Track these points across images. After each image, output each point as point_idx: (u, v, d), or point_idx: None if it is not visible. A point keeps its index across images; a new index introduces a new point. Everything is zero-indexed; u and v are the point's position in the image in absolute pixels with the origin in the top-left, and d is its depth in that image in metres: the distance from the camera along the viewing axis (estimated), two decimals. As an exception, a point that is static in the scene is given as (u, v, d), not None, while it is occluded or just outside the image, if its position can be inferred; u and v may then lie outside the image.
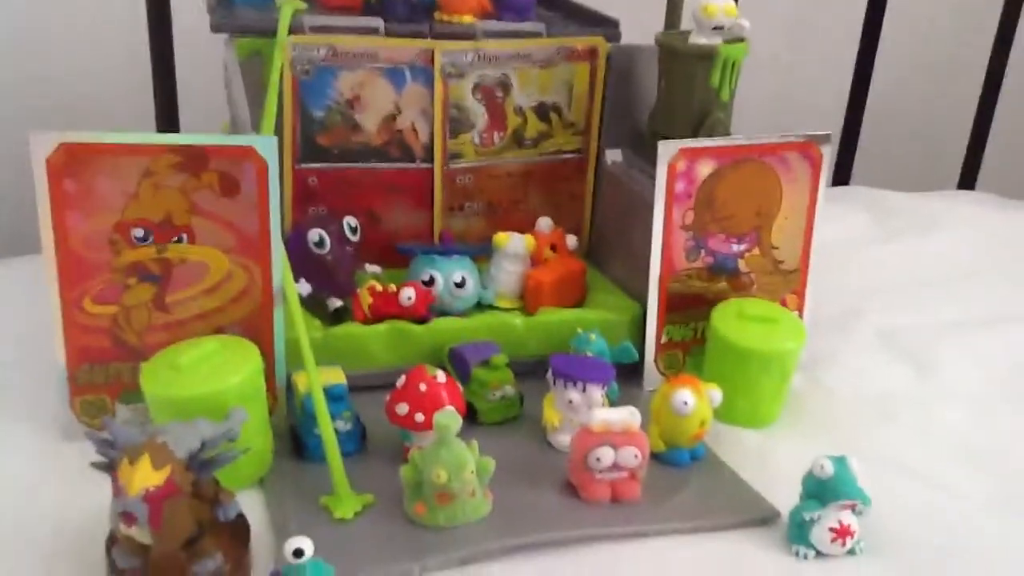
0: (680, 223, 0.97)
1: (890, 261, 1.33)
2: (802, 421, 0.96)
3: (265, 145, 0.82)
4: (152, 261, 0.83)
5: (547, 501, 0.81)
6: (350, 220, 0.99)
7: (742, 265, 1.01)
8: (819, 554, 0.77)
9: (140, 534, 0.65)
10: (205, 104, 1.16)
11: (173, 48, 1.28)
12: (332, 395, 0.82)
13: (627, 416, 0.80)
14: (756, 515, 0.81)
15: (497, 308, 1.01)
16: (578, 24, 1.12)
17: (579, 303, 1.03)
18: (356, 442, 0.85)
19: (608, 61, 1.09)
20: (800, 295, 1.04)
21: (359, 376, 0.88)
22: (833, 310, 1.14)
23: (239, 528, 0.72)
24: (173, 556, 0.67)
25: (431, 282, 0.98)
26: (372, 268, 1.01)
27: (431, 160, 1.06)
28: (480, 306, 1.01)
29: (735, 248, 1.00)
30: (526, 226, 1.05)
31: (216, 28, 0.97)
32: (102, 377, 0.85)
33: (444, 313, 0.98)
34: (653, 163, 0.95)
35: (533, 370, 0.93)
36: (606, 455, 0.79)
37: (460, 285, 0.98)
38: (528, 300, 1.01)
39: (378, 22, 1.01)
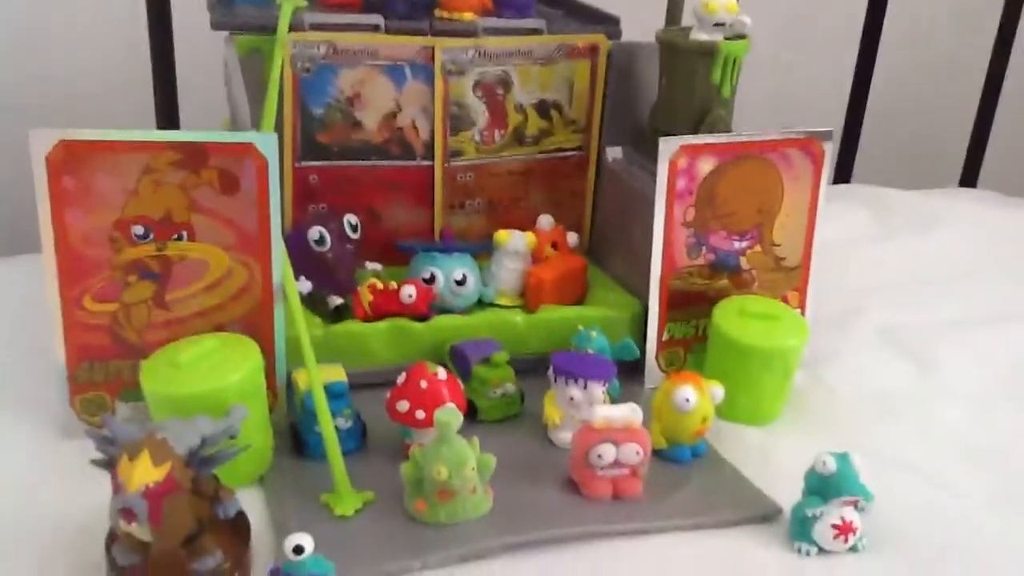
0: (681, 220, 0.97)
1: (891, 259, 1.33)
2: (803, 418, 0.96)
3: (265, 142, 0.82)
4: (152, 259, 0.83)
5: (548, 498, 0.81)
6: (350, 218, 0.99)
7: (743, 262, 1.01)
8: (821, 551, 0.77)
9: (140, 531, 0.65)
10: (205, 102, 1.16)
11: (173, 45, 1.28)
12: (333, 393, 0.82)
13: (628, 413, 0.80)
14: (758, 512, 0.81)
15: (498, 306, 1.01)
16: (579, 21, 1.12)
17: (580, 300, 1.03)
18: (356, 440, 0.85)
19: (609, 58, 1.09)
20: (802, 292, 1.03)
21: (360, 374, 0.88)
22: (834, 308, 1.13)
23: (239, 525, 0.72)
24: (173, 553, 0.66)
25: (432, 280, 0.98)
26: (373, 266, 1.01)
27: (432, 158, 1.06)
28: (481, 304, 1.01)
29: (736, 245, 1.00)
30: (527, 224, 1.05)
31: (216, 25, 0.97)
32: (102, 375, 0.85)
33: (445, 311, 0.98)
34: (654, 160, 0.95)
35: (534, 368, 0.93)
36: (607, 452, 0.79)
37: (461, 283, 0.98)
38: (529, 297, 1.01)
39: (378, 19, 1.00)
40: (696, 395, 0.85)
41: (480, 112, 1.06)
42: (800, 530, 0.77)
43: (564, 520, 0.78)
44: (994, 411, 0.99)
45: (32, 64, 1.40)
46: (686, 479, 0.85)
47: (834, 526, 0.76)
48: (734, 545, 0.78)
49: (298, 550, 0.64)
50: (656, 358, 1.00)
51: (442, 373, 0.83)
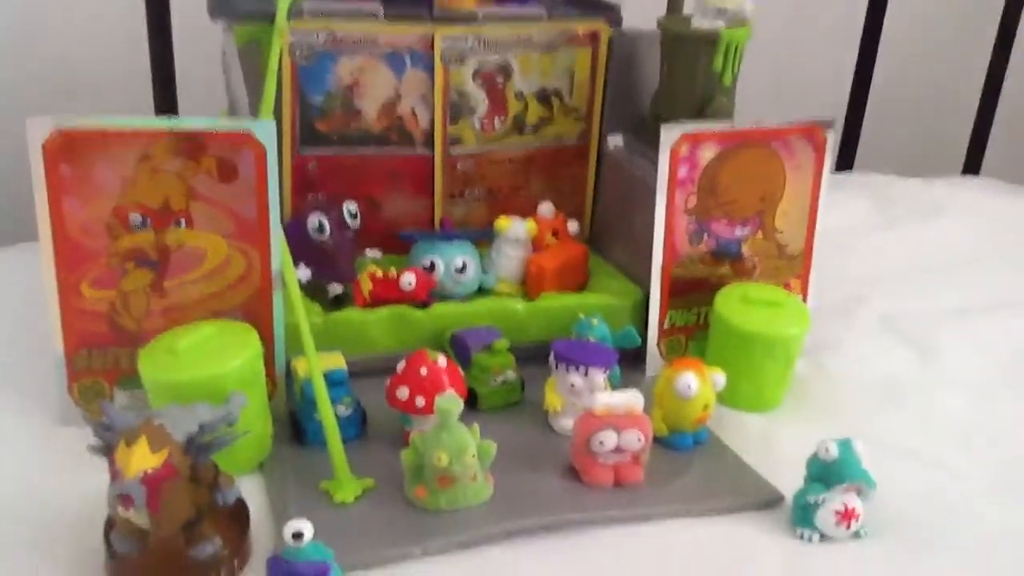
0: (683, 207, 0.97)
1: (892, 247, 1.33)
2: (805, 406, 0.96)
3: (263, 130, 0.82)
4: (150, 246, 0.83)
5: (549, 485, 0.81)
6: (350, 206, 0.98)
7: (745, 249, 1.00)
8: (823, 537, 0.76)
9: (138, 517, 0.65)
10: (204, 91, 1.16)
11: (172, 36, 1.28)
12: (332, 380, 0.82)
13: (630, 399, 0.79)
14: (760, 498, 0.81)
15: (498, 293, 1.00)
16: (579, 9, 1.11)
17: (581, 288, 1.03)
18: (356, 427, 0.85)
19: (610, 46, 1.08)
20: (804, 280, 1.03)
21: (359, 361, 0.88)
22: (835, 296, 1.13)
23: (238, 512, 0.72)
24: (171, 540, 0.66)
25: (432, 267, 0.97)
26: (372, 253, 1.00)
27: (431, 146, 1.05)
28: (481, 291, 1.00)
29: (738, 232, 1.00)
30: (527, 212, 1.04)
31: (214, 14, 0.97)
32: (100, 362, 0.85)
33: (445, 298, 0.97)
34: (655, 148, 0.94)
35: (534, 355, 0.93)
36: (609, 438, 0.79)
37: (461, 270, 0.98)
38: (530, 285, 1.00)
39: (377, 7, 1.00)
40: (698, 382, 0.84)
41: (480, 100, 1.05)
42: (802, 516, 0.77)
43: (565, 507, 0.78)
44: (995, 398, 0.99)
45: (31, 54, 1.39)
46: (688, 466, 0.85)
47: (836, 512, 0.76)
48: (736, 532, 0.78)
49: (298, 536, 0.64)
50: (657, 346, 0.99)
51: (442, 360, 0.83)
